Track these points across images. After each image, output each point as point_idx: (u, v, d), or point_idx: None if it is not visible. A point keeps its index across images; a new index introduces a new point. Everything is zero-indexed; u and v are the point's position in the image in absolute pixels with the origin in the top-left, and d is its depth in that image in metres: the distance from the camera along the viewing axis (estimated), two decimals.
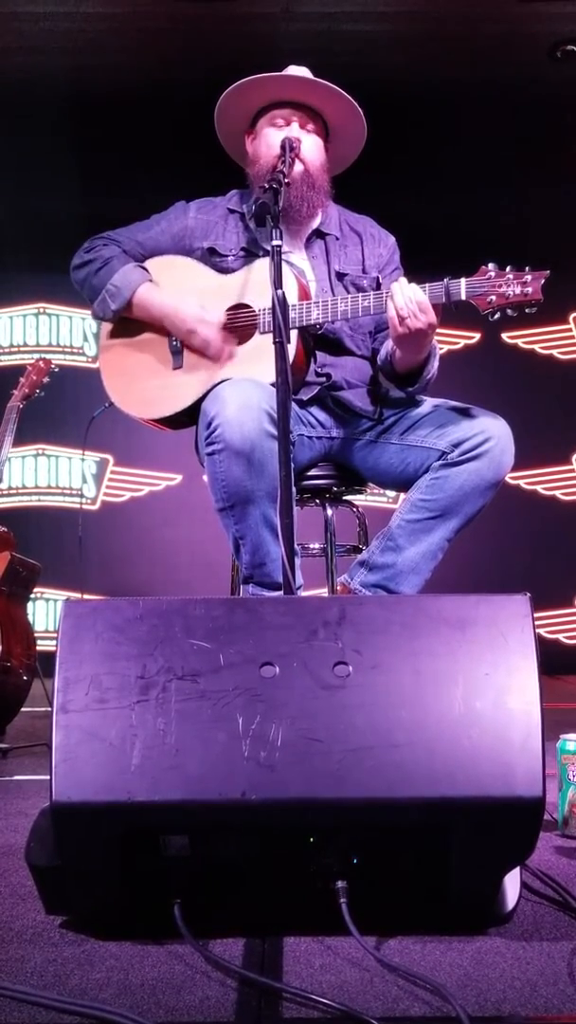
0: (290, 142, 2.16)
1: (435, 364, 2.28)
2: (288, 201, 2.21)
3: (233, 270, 2.31)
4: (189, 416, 2.30)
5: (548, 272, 2.00)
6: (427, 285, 2.07)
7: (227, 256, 2.33)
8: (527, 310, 2.01)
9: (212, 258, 2.34)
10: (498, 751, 1.13)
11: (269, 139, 2.29)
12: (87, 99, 4.65)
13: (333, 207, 2.44)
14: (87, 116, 4.69)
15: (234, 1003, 1.02)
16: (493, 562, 4.95)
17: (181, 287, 2.31)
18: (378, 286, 2.37)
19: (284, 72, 2.34)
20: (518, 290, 2.00)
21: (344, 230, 2.43)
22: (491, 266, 2.03)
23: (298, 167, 2.24)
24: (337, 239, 2.40)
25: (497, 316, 2.03)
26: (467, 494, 2.14)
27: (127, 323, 2.36)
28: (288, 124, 2.30)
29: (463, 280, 2.04)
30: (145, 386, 2.32)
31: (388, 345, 2.26)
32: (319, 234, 2.39)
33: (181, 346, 2.29)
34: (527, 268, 2.01)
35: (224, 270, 2.32)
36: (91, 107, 4.67)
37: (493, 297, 2.01)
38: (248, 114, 2.36)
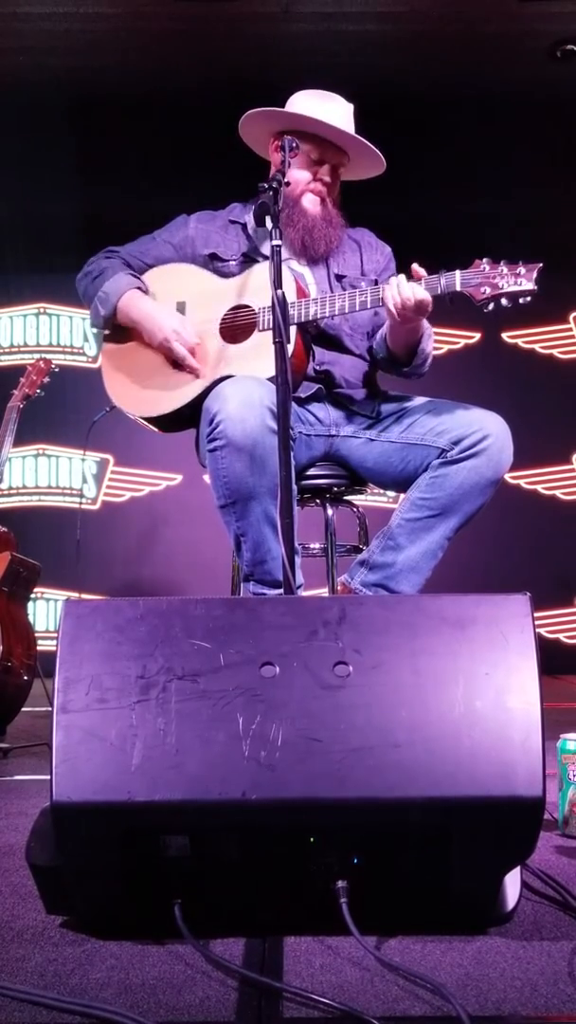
0: (290, 143, 2.17)
1: (429, 344, 2.31)
2: (311, 239, 2.31)
3: (234, 274, 2.33)
4: (188, 417, 2.31)
5: (541, 264, 2.03)
6: (422, 280, 2.08)
7: (228, 261, 2.36)
8: (521, 300, 2.04)
9: (214, 263, 2.36)
10: (498, 751, 1.13)
11: (298, 172, 2.32)
12: (88, 99, 4.65)
13: None
14: (87, 116, 4.69)
15: (235, 1003, 1.02)
16: (493, 562, 4.94)
17: (183, 291, 2.33)
18: None
19: (333, 110, 2.34)
20: (512, 281, 2.02)
21: (343, 238, 2.45)
22: (485, 260, 2.06)
23: (318, 207, 2.33)
24: (336, 246, 2.42)
25: (491, 307, 2.05)
26: (467, 492, 2.15)
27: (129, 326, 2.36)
28: (323, 163, 2.34)
29: (458, 272, 2.07)
30: (145, 384, 2.33)
31: (383, 330, 2.30)
32: None
33: None
34: (520, 261, 2.04)
35: (225, 274, 2.34)
36: (92, 107, 4.67)
37: (487, 288, 2.03)
38: (285, 125, 2.35)
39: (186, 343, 2.26)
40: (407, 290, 2.07)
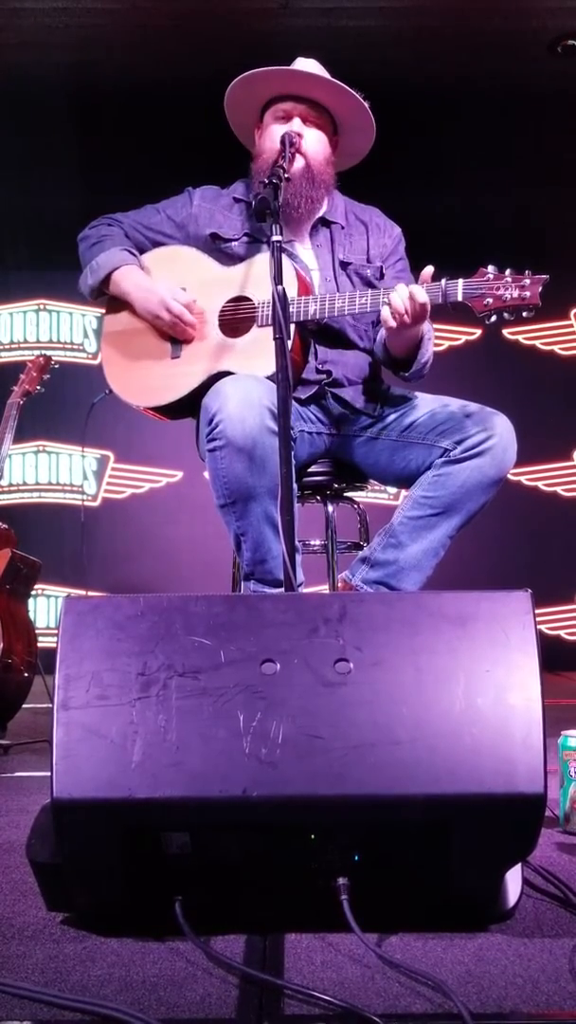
0: (290, 137, 2.16)
1: (429, 348, 2.28)
2: (285, 199, 2.21)
3: (238, 254, 2.31)
4: (189, 406, 2.30)
5: (547, 277, 1.98)
6: (424, 285, 2.06)
7: (232, 241, 2.33)
8: (524, 314, 2.00)
9: (216, 243, 2.34)
10: (499, 747, 1.13)
11: (272, 134, 2.29)
12: (87, 95, 4.64)
13: (339, 196, 2.45)
14: (87, 112, 4.68)
15: (235, 1000, 1.02)
16: (494, 558, 4.94)
17: (183, 278, 2.32)
18: (382, 275, 2.38)
19: (291, 65, 2.33)
20: (516, 294, 1.99)
21: (350, 219, 2.43)
22: (490, 268, 2.02)
23: (299, 162, 2.24)
24: (342, 228, 2.40)
25: (493, 319, 2.02)
26: (469, 491, 2.14)
27: (127, 312, 2.36)
28: (289, 118, 2.30)
29: (460, 281, 2.03)
30: (145, 374, 2.32)
31: (382, 332, 2.27)
32: (324, 222, 2.39)
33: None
34: (527, 272, 2.00)
35: (229, 255, 2.32)
36: (91, 103, 4.66)
37: (490, 300, 2.00)
38: (256, 107, 2.37)
39: (182, 300, 2.24)
40: (403, 293, 2.05)
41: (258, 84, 2.30)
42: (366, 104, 2.30)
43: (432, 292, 2.05)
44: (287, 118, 2.30)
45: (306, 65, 2.33)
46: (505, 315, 2.01)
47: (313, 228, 2.38)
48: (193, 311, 2.25)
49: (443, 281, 2.04)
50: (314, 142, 2.30)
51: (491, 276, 2.01)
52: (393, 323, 2.06)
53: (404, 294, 2.03)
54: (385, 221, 2.47)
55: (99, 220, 2.42)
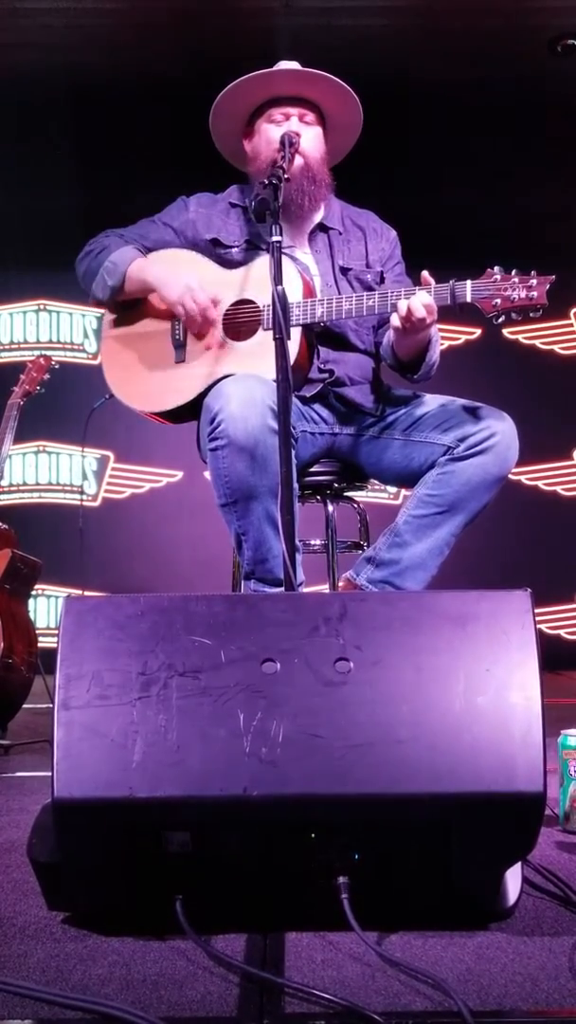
0: (289, 137, 2.16)
1: (436, 351, 2.29)
2: (288, 196, 2.21)
3: (237, 261, 2.31)
4: (191, 410, 2.30)
5: (553, 277, 1.99)
6: (432, 286, 2.06)
7: (231, 248, 2.33)
8: (531, 314, 2.02)
9: (216, 249, 2.33)
10: (499, 746, 1.13)
11: (268, 135, 2.29)
12: (86, 95, 4.64)
13: (335, 201, 2.44)
14: (86, 112, 4.69)
15: (236, 998, 1.02)
16: (494, 558, 4.93)
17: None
18: (381, 280, 2.38)
19: (276, 67, 2.33)
20: (523, 294, 2.00)
21: (347, 224, 2.43)
22: (497, 269, 2.03)
23: (298, 161, 2.24)
24: (340, 234, 2.40)
25: (501, 319, 2.03)
26: (473, 489, 2.15)
27: (129, 315, 2.36)
28: (287, 119, 2.30)
29: (468, 283, 2.04)
30: (146, 379, 2.32)
31: (390, 334, 2.26)
32: (322, 228, 2.39)
33: (184, 339, 2.29)
34: (533, 272, 2.01)
35: (228, 262, 2.32)
36: (90, 103, 4.66)
37: (498, 300, 2.01)
38: (244, 115, 2.36)
39: (208, 295, 2.21)
40: (412, 299, 2.05)
41: (248, 90, 2.29)
42: (355, 96, 2.30)
43: (440, 293, 2.05)
44: (285, 119, 2.30)
45: (290, 66, 2.33)
46: (513, 315, 2.02)
47: (311, 234, 2.38)
48: (204, 336, 2.23)
49: (451, 282, 2.05)
50: (311, 140, 2.30)
51: (498, 277, 2.02)
52: (399, 323, 2.07)
53: (412, 299, 2.04)
54: (381, 225, 2.47)
55: (95, 237, 2.40)
